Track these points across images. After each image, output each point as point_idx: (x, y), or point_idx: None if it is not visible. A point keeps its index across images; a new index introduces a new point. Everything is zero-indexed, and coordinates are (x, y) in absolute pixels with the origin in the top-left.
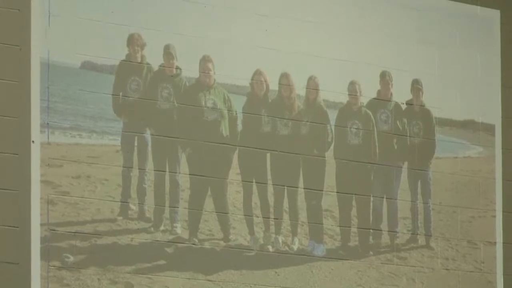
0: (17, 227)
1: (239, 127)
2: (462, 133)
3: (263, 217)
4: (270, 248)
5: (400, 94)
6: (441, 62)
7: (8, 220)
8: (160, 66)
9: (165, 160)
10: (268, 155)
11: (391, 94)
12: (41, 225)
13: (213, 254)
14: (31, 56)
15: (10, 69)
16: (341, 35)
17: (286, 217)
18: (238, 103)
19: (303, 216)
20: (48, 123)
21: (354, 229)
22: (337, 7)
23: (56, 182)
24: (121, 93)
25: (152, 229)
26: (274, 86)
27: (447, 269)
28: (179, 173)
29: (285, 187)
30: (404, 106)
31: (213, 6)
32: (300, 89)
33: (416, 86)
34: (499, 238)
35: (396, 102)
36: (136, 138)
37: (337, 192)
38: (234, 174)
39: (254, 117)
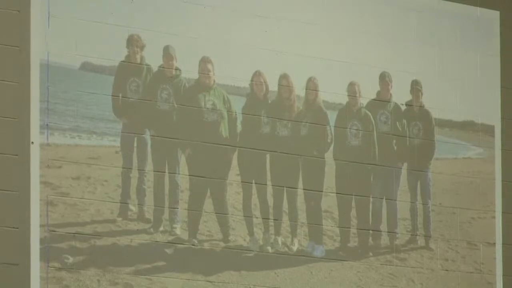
0: (17, 228)
1: (239, 128)
2: (462, 134)
3: (262, 218)
4: (270, 249)
5: (400, 95)
6: (441, 63)
7: (8, 221)
8: (160, 67)
9: (164, 161)
10: (268, 156)
11: (391, 95)
12: (41, 226)
13: (212, 255)
14: (30, 57)
15: (10, 70)
16: (340, 36)
17: (285, 218)
18: (238, 104)
19: (302, 217)
20: (47, 124)
21: (353, 230)
22: (336, 8)
23: (56, 183)
24: (120, 94)
25: (151, 230)
26: (273, 87)
27: (446, 270)
28: (179, 174)
29: (285, 188)
30: (403, 107)
31: (212, 7)
32: (299, 90)
33: (415, 87)
34: (498, 239)
35: (395, 103)
36: (135, 139)
37: (336, 193)
38: (233, 175)
39: (254, 118)
